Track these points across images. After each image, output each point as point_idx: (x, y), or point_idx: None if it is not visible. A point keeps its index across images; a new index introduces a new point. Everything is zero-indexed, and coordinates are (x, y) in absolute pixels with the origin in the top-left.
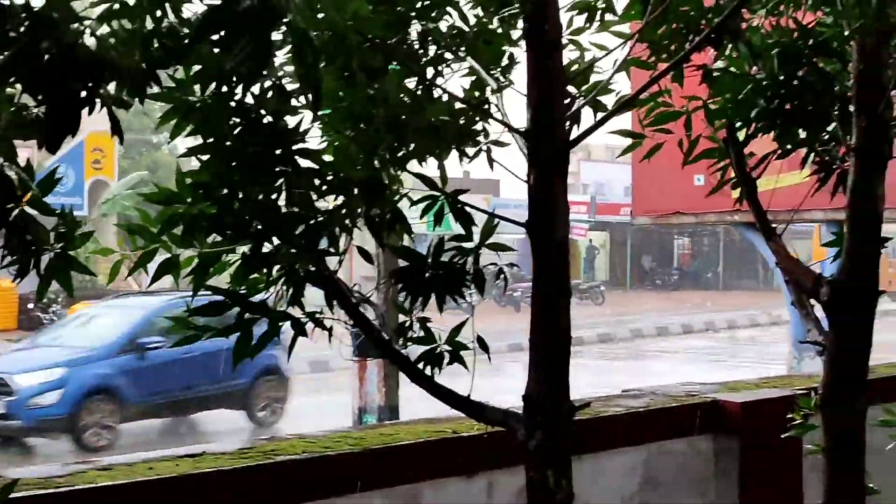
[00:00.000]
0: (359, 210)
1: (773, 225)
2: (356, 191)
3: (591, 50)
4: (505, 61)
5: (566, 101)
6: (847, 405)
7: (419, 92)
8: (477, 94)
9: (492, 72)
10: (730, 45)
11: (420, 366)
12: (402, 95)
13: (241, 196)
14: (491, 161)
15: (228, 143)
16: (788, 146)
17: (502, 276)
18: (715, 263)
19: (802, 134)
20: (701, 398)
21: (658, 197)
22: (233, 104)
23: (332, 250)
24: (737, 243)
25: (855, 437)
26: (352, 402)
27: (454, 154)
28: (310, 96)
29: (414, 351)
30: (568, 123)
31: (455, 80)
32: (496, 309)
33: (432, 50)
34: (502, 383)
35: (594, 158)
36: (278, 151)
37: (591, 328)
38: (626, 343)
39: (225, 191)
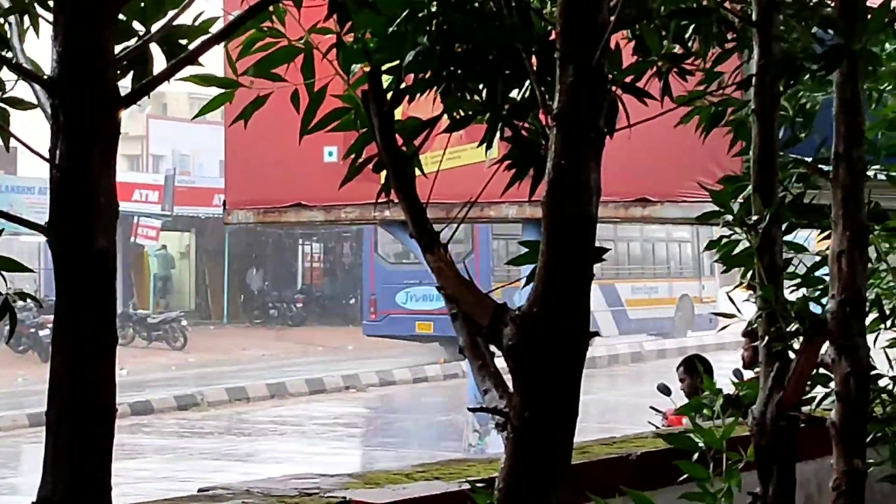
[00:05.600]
0: None
1: (438, 227)
2: None
3: None
4: None
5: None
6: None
7: None
8: None
9: None
10: None
11: None
12: None
13: None
14: (4, 131)
15: None
16: (462, 112)
17: (11, 314)
18: (361, 284)
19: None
20: (322, 498)
21: (266, 180)
22: None
23: None
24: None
25: None
26: None
27: None
28: None
29: None
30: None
31: None
32: (11, 356)
33: None
34: (21, 479)
35: (172, 115)
36: None
37: (166, 386)
38: (222, 409)
39: None
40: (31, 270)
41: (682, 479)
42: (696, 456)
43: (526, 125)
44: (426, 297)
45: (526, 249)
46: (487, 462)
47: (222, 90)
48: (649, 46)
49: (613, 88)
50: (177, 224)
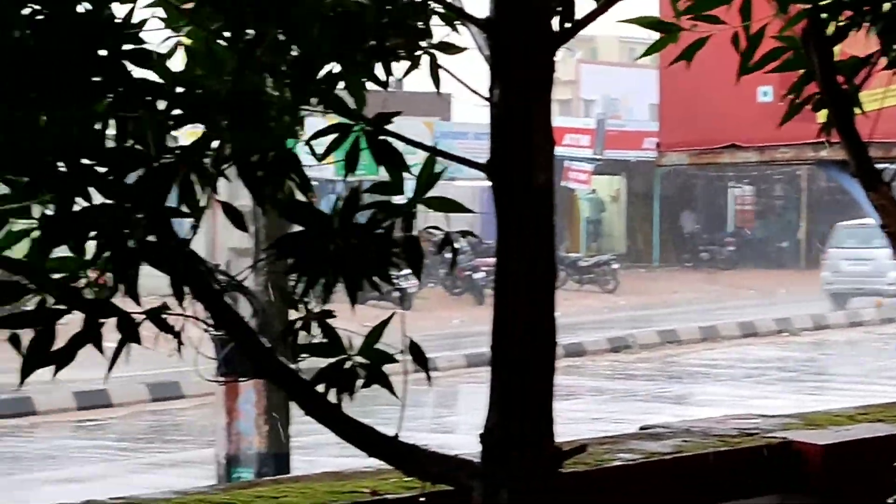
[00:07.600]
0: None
1: (879, 166)
2: (224, 118)
3: None
4: None
5: None
6: None
7: None
8: None
9: None
10: None
11: (320, 389)
12: None
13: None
14: (436, 75)
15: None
16: None
17: (451, 249)
18: (794, 226)
19: None
20: (763, 438)
21: (700, 122)
22: None
23: (184, 209)
24: (828, 194)
25: None
26: (216, 447)
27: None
28: None
29: (312, 366)
30: (559, 10)
31: None
32: (447, 299)
33: None
34: (458, 419)
35: (603, 59)
36: (101, 54)
37: (598, 329)
38: (653, 352)
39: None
40: (471, 211)
41: None
42: None
43: None
44: None
45: None
46: None
47: (661, 34)
48: None
49: None
50: (606, 168)
